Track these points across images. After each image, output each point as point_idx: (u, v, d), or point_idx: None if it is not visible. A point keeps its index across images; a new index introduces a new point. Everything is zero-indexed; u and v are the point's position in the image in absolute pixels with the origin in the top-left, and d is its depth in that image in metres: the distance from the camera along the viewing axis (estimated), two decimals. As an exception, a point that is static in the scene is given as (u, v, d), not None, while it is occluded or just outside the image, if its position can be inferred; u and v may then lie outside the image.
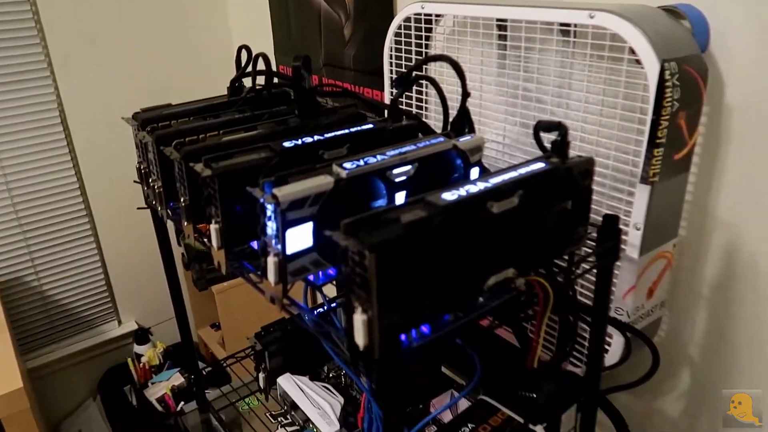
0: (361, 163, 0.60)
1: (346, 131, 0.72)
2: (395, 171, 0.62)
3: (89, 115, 1.81)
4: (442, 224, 0.47)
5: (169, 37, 1.89)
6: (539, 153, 0.63)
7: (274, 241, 0.56)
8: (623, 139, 0.76)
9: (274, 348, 0.99)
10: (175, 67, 1.92)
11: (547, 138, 0.63)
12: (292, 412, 0.97)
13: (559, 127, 0.59)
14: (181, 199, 0.72)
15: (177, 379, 1.85)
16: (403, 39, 1.02)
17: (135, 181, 0.90)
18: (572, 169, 0.57)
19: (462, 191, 0.50)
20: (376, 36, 1.34)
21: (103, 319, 2.05)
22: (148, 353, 1.93)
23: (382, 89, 1.22)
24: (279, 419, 1.07)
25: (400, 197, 0.64)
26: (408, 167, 0.63)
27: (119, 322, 2.08)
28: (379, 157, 0.61)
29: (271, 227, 0.56)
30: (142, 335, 1.99)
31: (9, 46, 1.65)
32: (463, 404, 0.86)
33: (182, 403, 1.78)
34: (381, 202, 0.63)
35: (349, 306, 0.47)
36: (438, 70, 0.96)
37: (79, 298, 1.98)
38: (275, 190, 0.54)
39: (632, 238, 0.76)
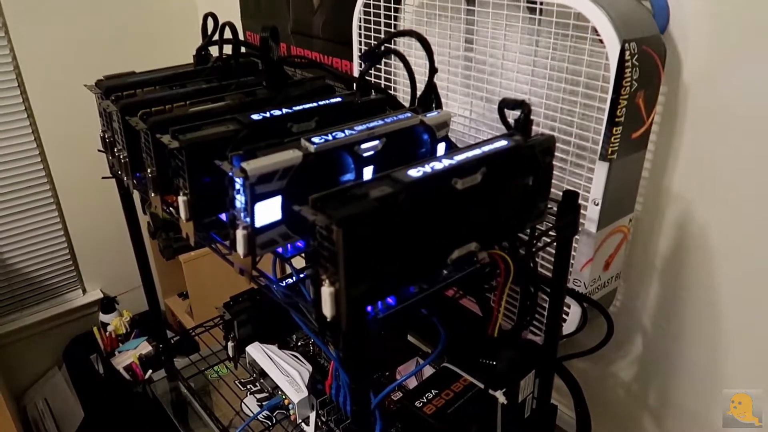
0: (330, 137, 0.61)
1: (315, 104, 0.73)
2: (363, 146, 0.63)
3: (48, 78, 1.75)
4: (408, 200, 0.49)
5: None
6: (504, 129, 0.65)
7: (242, 215, 0.57)
8: (585, 117, 0.78)
9: (243, 317, 1.00)
10: (137, 31, 1.86)
11: (512, 114, 0.65)
12: (261, 380, 0.99)
13: (523, 106, 0.61)
14: (148, 170, 0.72)
15: (144, 347, 1.85)
16: (372, 10, 1.02)
17: (99, 150, 0.88)
18: (534, 146, 0.59)
19: (427, 168, 0.52)
20: (345, 4, 1.32)
21: (67, 288, 2.02)
22: (115, 322, 1.92)
23: (351, 59, 1.22)
24: (248, 387, 1.09)
25: (368, 172, 0.65)
26: (376, 142, 0.64)
27: (84, 291, 2.06)
28: (347, 132, 0.62)
29: (239, 200, 0.57)
30: (107, 304, 1.97)
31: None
32: (428, 371, 0.89)
33: (150, 371, 1.78)
34: (349, 177, 0.64)
35: (317, 279, 0.48)
36: (407, 44, 0.96)
37: (42, 266, 1.94)
38: (244, 164, 0.54)
39: (591, 213, 0.79)
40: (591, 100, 0.76)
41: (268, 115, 0.68)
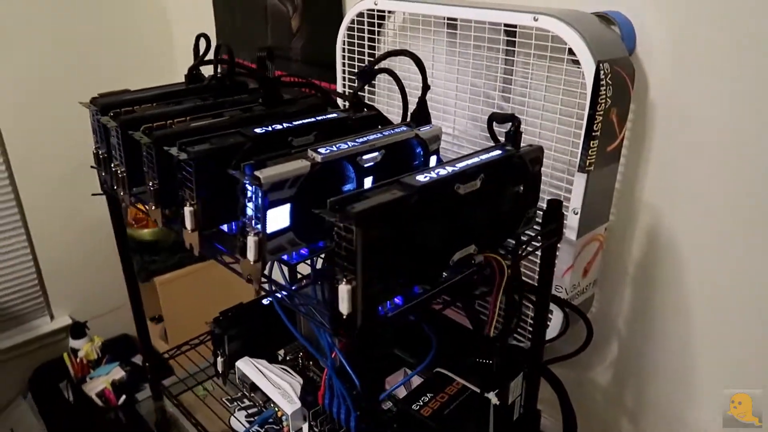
0: (334, 148, 0.64)
1: (313, 120, 0.76)
2: (365, 157, 0.66)
3: (16, 99, 1.74)
4: (418, 203, 0.53)
5: (101, 20, 1.84)
6: (487, 144, 0.70)
7: (254, 222, 0.60)
8: (563, 132, 0.84)
9: (232, 332, 1.01)
10: (107, 52, 1.86)
11: (498, 130, 0.70)
12: (252, 394, 0.99)
13: (513, 119, 0.66)
14: (150, 184, 0.73)
15: (117, 373, 1.81)
16: (356, 33, 1.07)
17: (92, 167, 0.89)
18: (524, 156, 0.64)
19: (433, 174, 0.55)
20: (325, 28, 1.37)
21: (35, 315, 1.97)
22: (86, 348, 1.88)
23: (330, 81, 1.26)
24: (236, 403, 1.09)
25: (368, 182, 0.68)
26: (375, 154, 0.68)
27: (51, 317, 2.01)
28: (350, 144, 0.66)
29: (251, 208, 0.60)
30: (77, 329, 1.93)
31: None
32: (417, 382, 0.92)
33: (123, 396, 1.75)
34: (350, 186, 0.67)
35: (333, 277, 0.51)
36: (391, 65, 1.01)
37: (9, 292, 1.89)
38: (257, 173, 0.57)
39: (571, 222, 0.84)
40: (568, 116, 0.82)
41: (270, 129, 0.71)
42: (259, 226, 0.59)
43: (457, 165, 0.58)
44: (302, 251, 0.67)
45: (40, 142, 1.78)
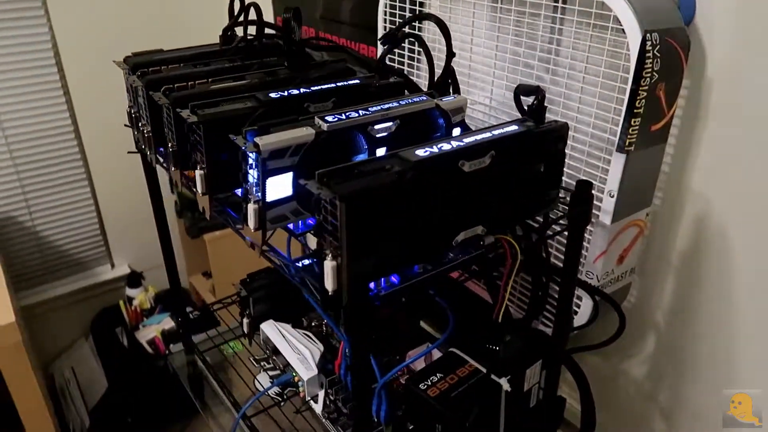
0: (343, 117, 0.62)
1: (332, 85, 0.74)
2: (377, 127, 0.64)
3: (84, 55, 1.80)
4: (413, 179, 0.50)
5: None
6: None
7: (255, 189, 0.59)
8: (603, 107, 0.77)
9: (258, 295, 1.02)
10: (170, 11, 1.89)
11: (528, 102, 0.65)
12: (274, 357, 1.01)
13: (537, 92, 0.61)
14: (169, 145, 0.74)
15: (168, 323, 1.89)
16: (398, -4, 1.02)
17: (125, 125, 0.91)
18: (545, 133, 0.59)
19: (435, 149, 0.52)
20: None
21: (97, 262, 2.08)
22: (140, 297, 1.98)
23: (377, 45, 1.22)
24: (262, 363, 1.11)
25: (380, 153, 0.65)
26: (389, 124, 0.65)
27: (112, 265, 2.11)
28: (361, 112, 0.63)
29: (252, 175, 0.58)
30: (134, 279, 2.02)
31: (4, -17, 1.63)
32: (438, 356, 0.90)
33: (171, 345, 1.83)
34: (361, 157, 0.65)
35: (320, 252, 0.50)
36: (432, 30, 0.97)
37: (73, 240, 2.00)
38: (257, 139, 0.56)
39: (606, 205, 0.78)
40: (610, 90, 0.75)
41: (286, 94, 0.69)
42: (259, 194, 0.58)
43: (464, 140, 0.54)
44: (309, 221, 0.66)
45: (105, 96, 1.84)
